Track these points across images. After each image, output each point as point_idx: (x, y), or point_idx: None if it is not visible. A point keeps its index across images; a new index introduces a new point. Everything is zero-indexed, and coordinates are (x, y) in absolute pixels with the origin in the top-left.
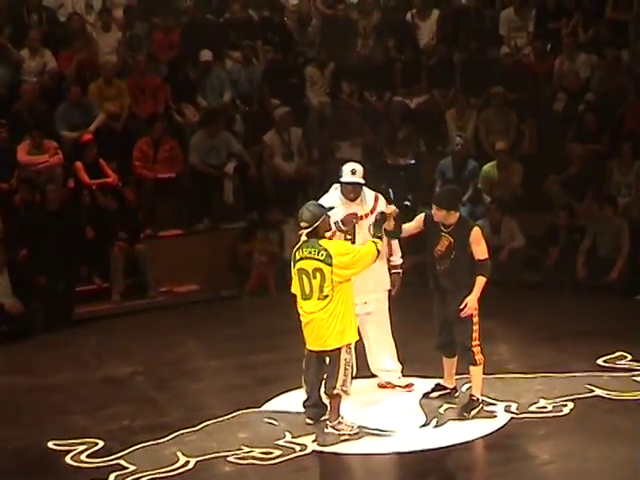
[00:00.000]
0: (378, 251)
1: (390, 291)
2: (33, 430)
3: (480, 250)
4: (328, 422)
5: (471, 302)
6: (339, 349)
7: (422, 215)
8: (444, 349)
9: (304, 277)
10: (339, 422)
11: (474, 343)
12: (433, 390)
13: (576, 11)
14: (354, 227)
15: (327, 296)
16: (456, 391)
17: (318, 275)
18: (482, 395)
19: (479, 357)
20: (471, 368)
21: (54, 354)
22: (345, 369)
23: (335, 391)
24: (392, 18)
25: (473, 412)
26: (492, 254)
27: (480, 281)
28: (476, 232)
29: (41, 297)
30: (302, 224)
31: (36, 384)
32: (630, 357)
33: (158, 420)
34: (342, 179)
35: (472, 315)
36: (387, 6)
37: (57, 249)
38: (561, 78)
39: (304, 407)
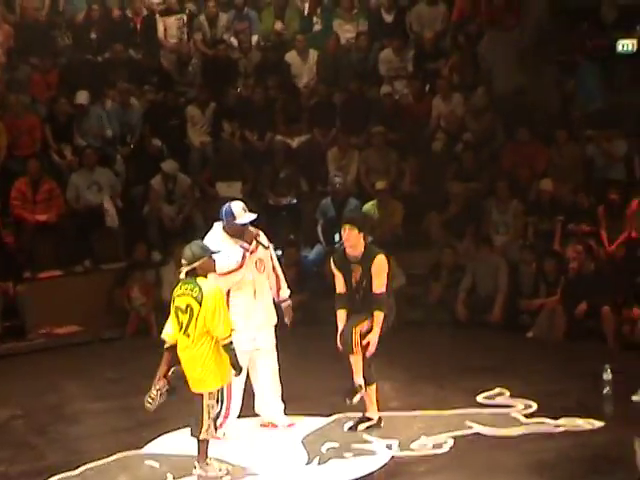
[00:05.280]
0: (225, 342)
1: (279, 325)
2: None
3: (378, 283)
4: (195, 463)
5: (372, 340)
6: (201, 394)
7: (331, 261)
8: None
9: (179, 313)
10: (207, 464)
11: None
12: (359, 422)
13: (453, 52)
14: (257, 240)
15: (189, 335)
16: (381, 421)
17: (188, 311)
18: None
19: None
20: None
21: None
22: (209, 413)
23: (201, 437)
24: (272, 58)
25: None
26: None
27: (377, 316)
28: (378, 261)
29: None
30: (183, 262)
31: None
32: (508, 393)
33: (37, 465)
34: (239, 220)
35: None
36: (266, 46)
37: None
38: (439, 118)
39: None
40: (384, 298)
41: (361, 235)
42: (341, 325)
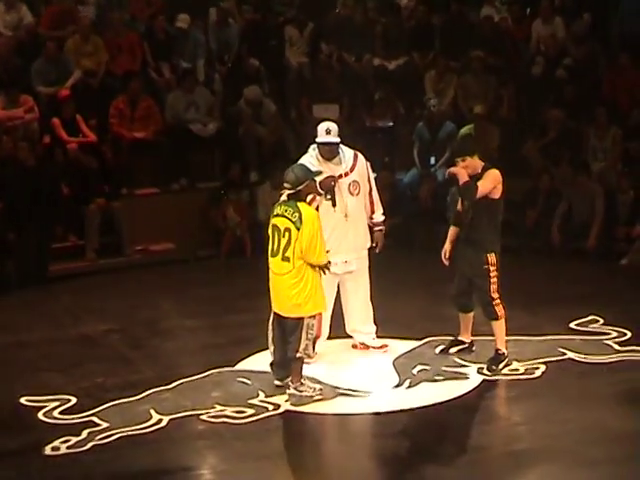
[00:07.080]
0: (323, 267)
1: (371, 249)
2: (6, 386)
3: (483, 184)
4: (290, 383)
5: (458, 172)
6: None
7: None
8: (460, 305)
9: (276, 234)
10: (301, 383)
11: (494, 296)
12: (451, 346)
13: None
14: (333, 190)
15: (289, 259)
16: (473, 345)
17: (287, 235)
18: (458, 356)
19: (500, 312)
20: (493, 323)
21: (28, 311)
22: (308, 333)
23: (298, 355)
24: None
25: (501, 365)
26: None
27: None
28: (490, 172)
29: (15, 254)
30: (285, 185)
31: (9, 341)
32: (602, 321)
33: (131, 378)
34: (317, 139)
35: (490, 270)
36: None
37: (32, 206)
38: (538, 42)
39: (271, 368)
40: (475, 194)
41: (475, 157)
42: (449, 240)
